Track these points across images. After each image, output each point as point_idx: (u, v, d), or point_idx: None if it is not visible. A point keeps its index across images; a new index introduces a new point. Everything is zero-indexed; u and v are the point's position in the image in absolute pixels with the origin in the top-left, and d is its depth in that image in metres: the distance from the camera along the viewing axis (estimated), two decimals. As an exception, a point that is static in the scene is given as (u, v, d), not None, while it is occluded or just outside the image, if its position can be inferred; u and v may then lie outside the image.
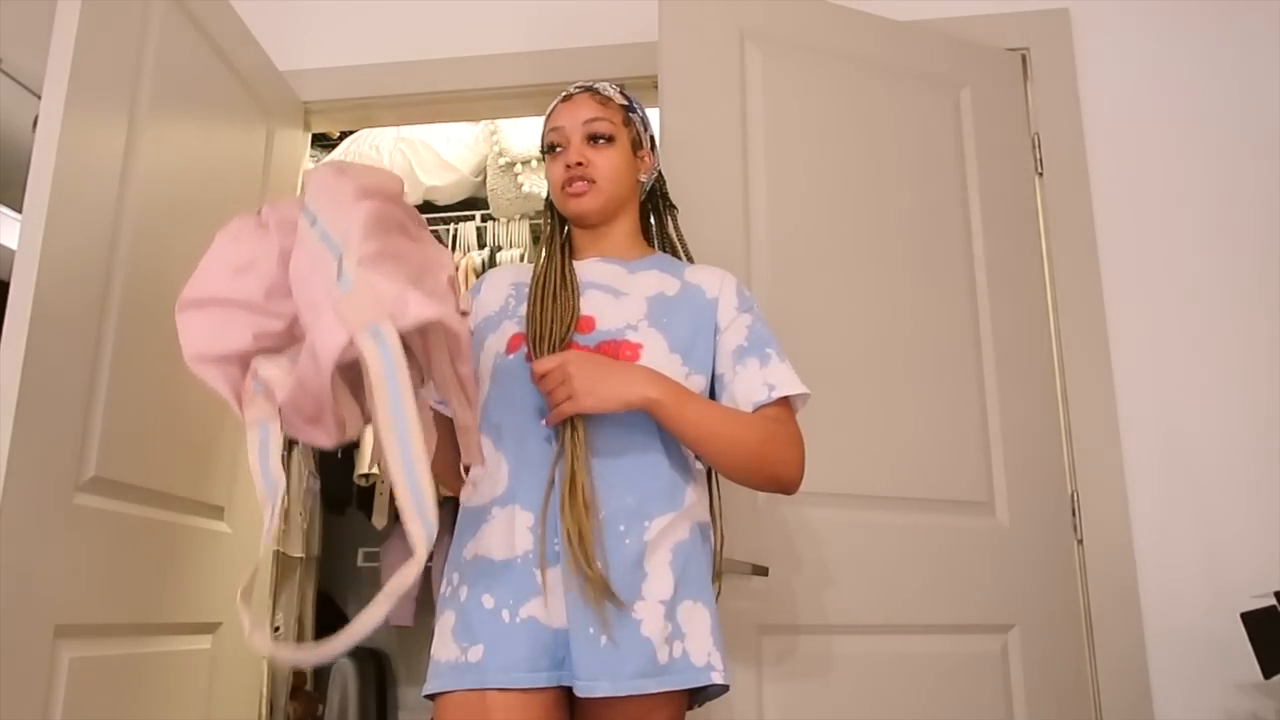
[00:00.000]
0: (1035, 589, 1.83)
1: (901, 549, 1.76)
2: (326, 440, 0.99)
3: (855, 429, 1.78)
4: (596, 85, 1.42)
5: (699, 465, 1.31)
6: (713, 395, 1.31)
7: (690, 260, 1.45)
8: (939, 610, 1.76)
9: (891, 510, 1.77)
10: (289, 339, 1.03)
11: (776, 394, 1.26)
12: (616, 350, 1.25)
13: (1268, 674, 1.52)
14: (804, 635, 1.68)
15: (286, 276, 1.01)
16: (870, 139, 1.95)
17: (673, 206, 1.48)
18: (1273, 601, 1.56)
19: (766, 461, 1.24)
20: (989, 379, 1.90)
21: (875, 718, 1.66)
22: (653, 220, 1.47)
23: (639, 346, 1.25)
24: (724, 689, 1.19)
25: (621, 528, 1.18)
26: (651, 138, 1.45)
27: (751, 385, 1.27)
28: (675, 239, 1.46)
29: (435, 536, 0.90)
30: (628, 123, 1.39)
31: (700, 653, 1.16)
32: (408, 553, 0.91)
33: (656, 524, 1.19)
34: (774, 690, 1.64)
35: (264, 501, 0.98)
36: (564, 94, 1.41)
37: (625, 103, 1.41)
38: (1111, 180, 2.03)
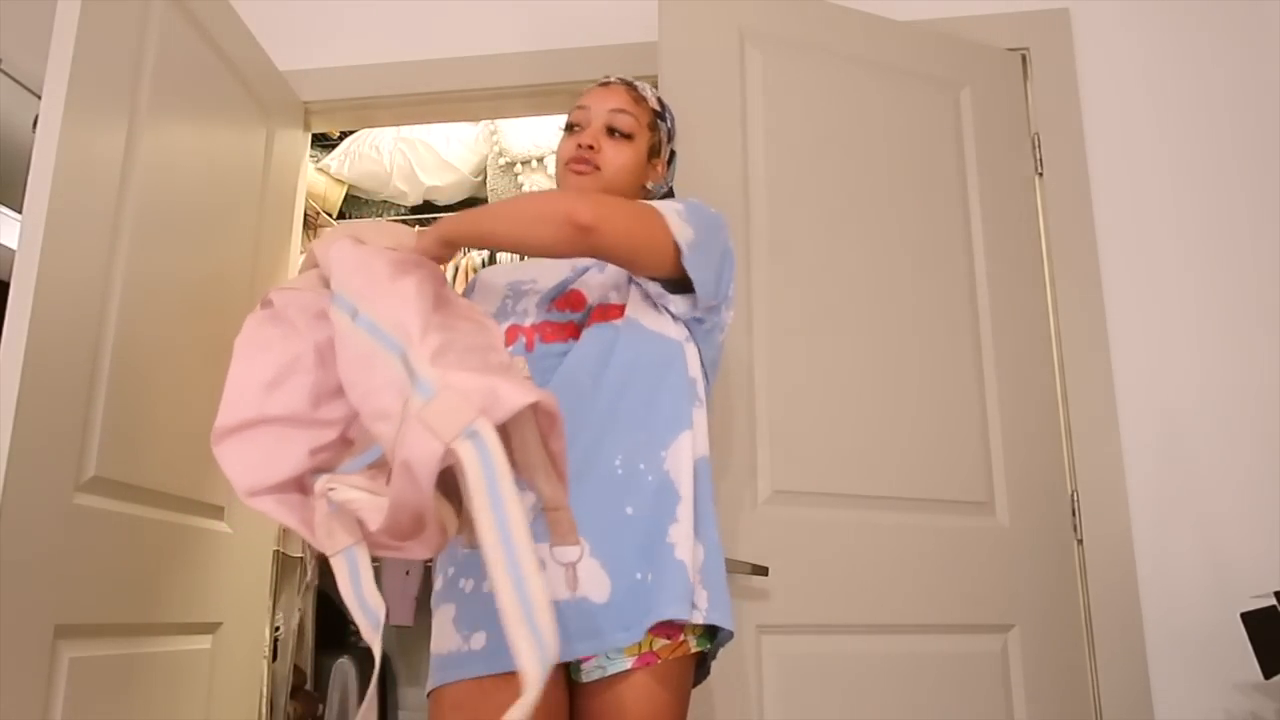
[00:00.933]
0: (1035, 589, 1.83)
1: (901, 549, 1.76)
2: (425, 551, 0.89)
3: (855, 429, 1.78)
4: (636, 82, 1.43)
5: (702, 392, 1.29)
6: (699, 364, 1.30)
7: None
8: (939, 610, 1.76)
9: (891, 510, 1.77)
10: (344, 445, 0.94)
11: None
12: (606, 311, 1.26)
13: (1268, 674, 1.52)
14: (804, 635, 1.68)
15: (330, 377, 0.91)
16: (870, 139, 1.95)
17: None
18: (1273, 601, 1.56)
19: (548, 215, 1.17)
20: (989, 379, 1.90)
21: (875, 718, 1.66)
22: None
23: (622, 306, 1.26)
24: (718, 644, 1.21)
25: (641, 465, 1.18)
26: (672, 152, 1.45)
27: None
28: None
29: (555, 660, 0.78)
30: (653, 128, 1.40)
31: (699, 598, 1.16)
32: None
33: (672, 449, 1.20)
34: (774, 690, 1.63)
35: (368, 634, 0.88)
36: (603, 79, 1.43)
37: (657, 109, 1.42)
38: (1111, 180, 2.03)
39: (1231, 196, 1.99)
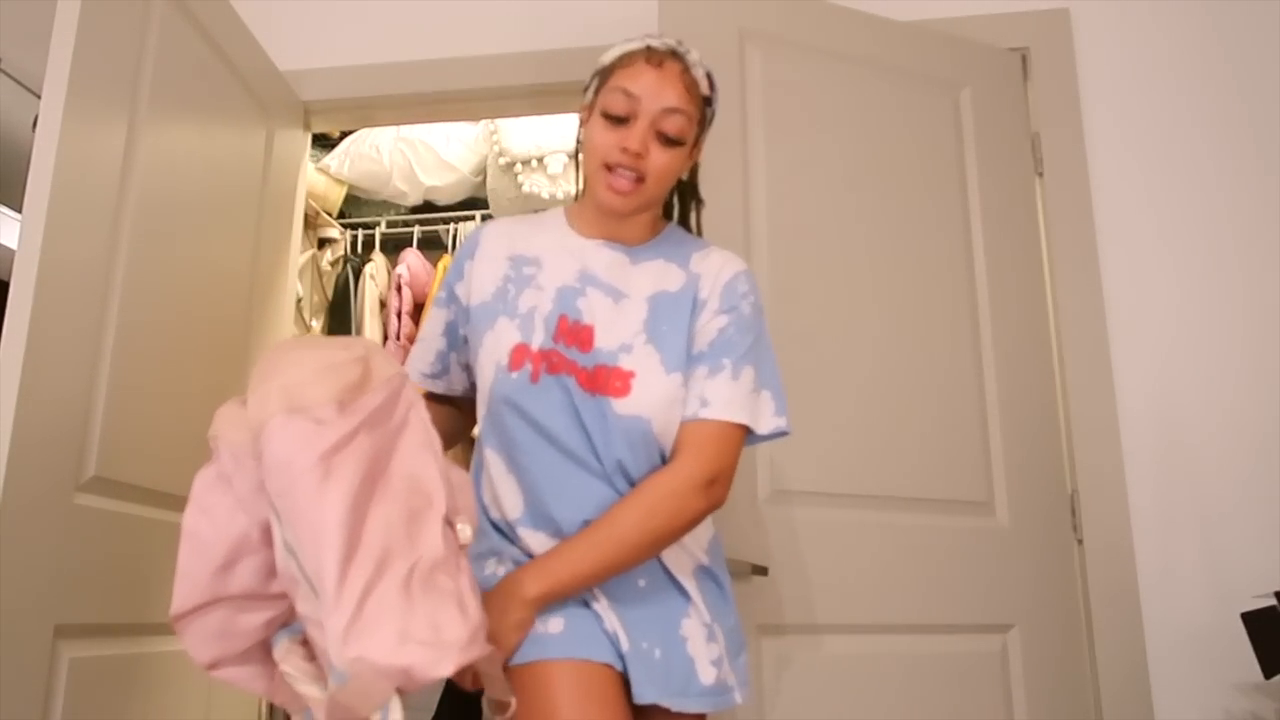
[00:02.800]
0: (1035, 589, 1.83)
1: (901, 549, 1.76)
2: None
3: (855, 429, 1.78)
4: (690, 61, 1.23)
5: None
6: None
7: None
8: (939, 610, 1.76)
9: (891, 510, 1.77)
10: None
11: (704, 414, 1.19)
12: (608, 378, 1.19)
13: (1268, 674, 1.52)
14: (804, 635, 1.68)
15: (273, 551, 0.93)
16: (870, 139, 1.95)
17: (700, 201, 1.39)
18: (1273, 601, 1.56)
19: (661, 534, 1.16)
20: (989, 379, 1.90)
21: (875, 718, 1.66)
22: (676, 204, 1.39)
23: (630, 375, 1.19)
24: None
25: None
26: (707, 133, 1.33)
27: (689, 397, 1.20)
28: (694, 230, 1.39)
29: None
30: (701, 121, 1.26)
31: (729, 675, 1.22)
32: None
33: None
34: (774, 690, 1.63)
35: None
36: (649, 47, 1.22)
37: (708, 95, 1.26)
38: (1111, 180, 2.03)
39: (1232, 196, 1.99)
